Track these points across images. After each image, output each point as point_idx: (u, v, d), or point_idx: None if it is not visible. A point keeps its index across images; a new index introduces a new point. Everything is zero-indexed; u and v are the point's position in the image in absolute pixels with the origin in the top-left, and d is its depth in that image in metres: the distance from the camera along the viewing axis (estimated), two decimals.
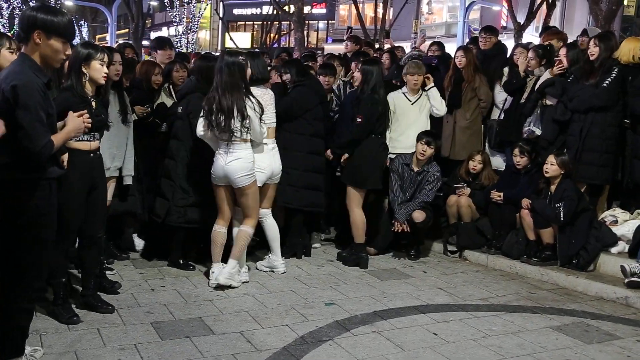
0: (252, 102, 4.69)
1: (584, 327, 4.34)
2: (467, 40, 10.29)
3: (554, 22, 20.47)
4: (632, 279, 4.86)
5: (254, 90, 4.84)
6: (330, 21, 37.14)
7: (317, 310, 4.42)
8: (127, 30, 32.65)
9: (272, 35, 29.42)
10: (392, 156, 5.88)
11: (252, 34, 39.37)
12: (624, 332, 4.28)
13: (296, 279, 5.14)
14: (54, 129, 3.11)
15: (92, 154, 4.06)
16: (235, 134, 4.62)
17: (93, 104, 4.02)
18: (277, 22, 29.10)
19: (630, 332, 4.30)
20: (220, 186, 4.77)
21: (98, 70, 3.99)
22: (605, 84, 5.49)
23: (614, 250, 5.36)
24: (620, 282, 4.98)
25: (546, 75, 5.95)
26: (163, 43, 6.70)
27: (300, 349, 3.78)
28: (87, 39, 36.07)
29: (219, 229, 4.83)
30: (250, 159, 4.73)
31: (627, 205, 5.72)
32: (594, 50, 5.59)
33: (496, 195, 5.77)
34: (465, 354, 3.82)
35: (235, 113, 4.59)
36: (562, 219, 5.26)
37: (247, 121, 4.63)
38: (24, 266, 3.07)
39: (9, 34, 5.09)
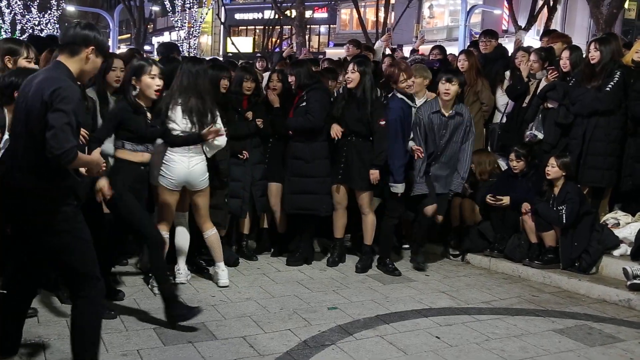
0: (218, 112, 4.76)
1: (586, 330, 4.34)
2: (468, 44, 10.29)
3: (555, 25, 20.45)
4: (635, 281, 4.86)
5: None
6: (331, 26, 37.18)
7: (319, 315, 4.43)
8: (129, 35, 32.76)
9: (273, 39, 29.47)
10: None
11: (254, 39, 39.39)
12: (626, 335, 4.28)
13: (299, 284, 5.15)
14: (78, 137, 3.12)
15: (142, 167, 4.18)
16: None
17: (148, 114, 4.11)
18: (279, 27, 29.15)
19: (633, 334, 4.29)
20: (174, 191, 4.69)
21: (149, 84, 4.07)
22: (608, 88, 5.48)
23: (616, 252, 5.36)
24: (623, 285, 4.98)
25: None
26: (172, 49, 6.73)
27: (303, 353, 3.78)
28: None
29: (165, 235, 4.69)
30: (205, 162, 4.76)
31: (629, 208, 5.72)
32: (594, 54, 5.58)
33: (491, 200, 5.76)
34: (468, 358, 3.82)
35: (208, 118, 4.59)
36: (564, 221, 5.27)
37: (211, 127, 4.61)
38: (76, 268, 3.09)
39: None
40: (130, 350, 3.71)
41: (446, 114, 5.43)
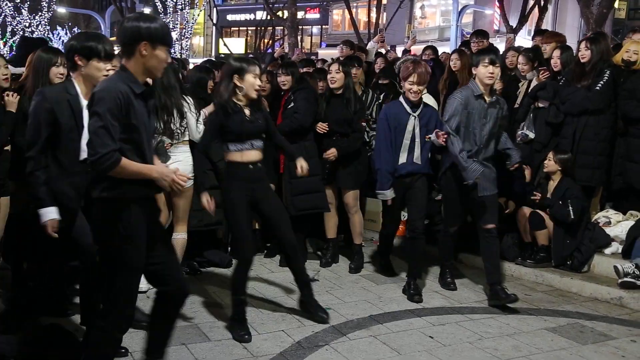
0: (188, 102, 4.70)
1: (578, 328, 4.36)
2: (459, 44, 10.33)
3: (546, 25, 20.55)
4: (626, 279, 4.89)
5: None
6: (324, 26, 37.18)
7: (313, 315, 4.39)
8: None
9: (265, 40, 29.44)
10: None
11: (246, 40, 39.33)
12: (618, 333, 4.30)
13: (292, 284, 5.13)
14: (138, 143, 2.88)
15: (251, 166, 4.10)
16: (175, 135, 4.56)
17: (246, 111, 4.09)
18: (271, 28, 29.14)
19: (625, 332, 4.32)
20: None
21: (252, 84, 4.08)
22: (598, 87, 5.51)
23: (607, 251, 5.39)
24: (614, 283, 5.00)
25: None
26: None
27: (296, 354, 3.78)
28: None
29: (179, 236, 4.69)
30: (190, 162, 4.62)
31: (620, 207, 5.75)
32: (585, 54, 5.61)
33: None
34: (461, 357, 3.84)
35: (175, 114, 4.54)
36: (572, 216, 5.24)
37: (185, 121, 4.60)
38: (115, 292, 2.93)
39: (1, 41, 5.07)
40: (122, 351, 3.68)
41: (487, 100, 4.76)
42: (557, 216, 5.33)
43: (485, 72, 4.67)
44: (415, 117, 4.84)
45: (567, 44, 6.55)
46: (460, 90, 4.88)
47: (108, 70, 3.48)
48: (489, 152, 4.82)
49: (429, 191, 5.27)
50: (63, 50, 3.82)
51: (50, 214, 3.39)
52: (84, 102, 3.44)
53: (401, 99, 4.94)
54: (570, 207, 5.26)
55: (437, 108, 6.06)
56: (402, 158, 4.86)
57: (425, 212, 5.06)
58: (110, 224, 2.86)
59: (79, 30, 39.40)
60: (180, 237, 4.70)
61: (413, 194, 4.93)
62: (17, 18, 34.31)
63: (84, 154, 3.30)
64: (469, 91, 4.74)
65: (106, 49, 3.44)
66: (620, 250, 5.34)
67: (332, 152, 5.41)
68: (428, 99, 6.04)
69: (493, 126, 4.76)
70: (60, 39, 37.57)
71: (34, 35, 31.25)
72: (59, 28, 38.03)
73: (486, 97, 4.74)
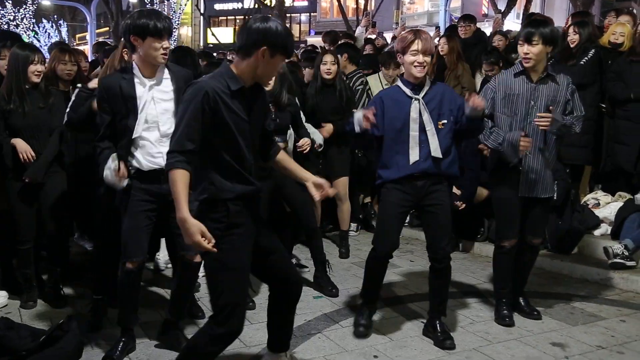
0: None
1: (569, 310, 4.39)
2: (435, 35, 10.30)
3: (535, 8, 20.56)
4: (615, 260, 4.91)
5: None
6: (312, 14, 37.02)
7: (305, 304, 4.41)
8: (107, 28, 32.26)
9: None
10: None
11: (234, 29, 39.10)
12: (608, 313, 4.34)
13: None
14: (234, 144, 2.72)
15: None
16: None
17: (271, 107, 4.11)
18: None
19: (615, 312, 4.36)
20: None
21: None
22: (582, 62, 5.57)
23: (597, 232, 5.42)
24: (604, 264, 5.03)
25: None
26: None
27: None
28: (66, 39, 35.63)
29: None
30: None
31: (609, 188, 5.78)
32: (574, 37, 5.65)
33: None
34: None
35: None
36: (555, 198, 5.22)
37: None
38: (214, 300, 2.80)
39: None
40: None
41: (534, 79, 3.95)
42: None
43: (521, 53, 3.94)
44: (418, 100, 3.69)
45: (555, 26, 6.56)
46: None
47: (165, 48, 3.28)
48: (541, 142, 3.96)
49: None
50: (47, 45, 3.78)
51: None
52: (141, 86, 3.34)
53: (398, 82, 3.85)
54: (557, 189, 5.23)
55: None
56: (413, 155, 3.68)
57: (451, 230, 3.96)
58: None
59: (65, 23, 39.13)
60: None
61: (431, 205, 3.75)
62: (2, 11, 33.94)
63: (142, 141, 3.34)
64: (507, 73, 4.05)
65: (159, 26, 3.23)
66: (609, 232, 5.37)
67: (328, 128, 5.37)
68: None
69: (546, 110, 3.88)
70: (46, 31, 37.21)
71: (19, 29, 30.94)
72: (44, 21, 37.62)
73: (533, 76, 3.93)
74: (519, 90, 3.92)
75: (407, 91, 3.71)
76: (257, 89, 2.81)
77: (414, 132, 3.68)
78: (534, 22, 3.96)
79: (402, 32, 3.87)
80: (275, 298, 3.10)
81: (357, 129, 3.57)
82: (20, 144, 4.08)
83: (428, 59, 3.66)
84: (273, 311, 3.14)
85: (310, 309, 4.34)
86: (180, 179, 2.57)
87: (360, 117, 3.52)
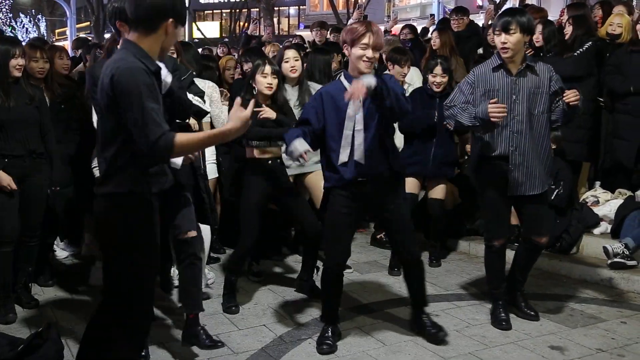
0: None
1: (568, 312, 4.28)
2: (429, 24, 10.18)
3: (531, 0, 20.41)
4: (615, 259, 4.79)
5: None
6: (301, 7, 36.85)
7: (295, 309, 4.31)
8: (88, 23, 31.78)
9: (241, 23, 29.03)
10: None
11: (221, 23, 38.83)
12: (608, 315, 4.23)
13: (272, 277, 5.00)
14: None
15: (270, 162, 4.15)
16: None
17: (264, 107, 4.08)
18: (246, 10, 28.72)
19: (615, 314, 4.25)
20: None
21: (260, 82, 4.09)
22: (576, 54, 5.45)
23: (596, 231, 5.30)
24: (604, 264, 4.91)
25: None
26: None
27: (278, 349, 3.67)
28: (44, 34, 35.10)
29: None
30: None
31: (608, 185, 5.67)
32: (568, 29, 5.56)
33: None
34: (448, 346, 3.73)
35: None
36: (559, 202, 5.11)
37: None
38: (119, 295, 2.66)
39: None
40: None
41: (513, 72, 3.81)
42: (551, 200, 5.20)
43: (498, 43, 3.77)
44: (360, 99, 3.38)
45: (548, 19, 6.44)
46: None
47: None
48: (534, 142, 3.81)
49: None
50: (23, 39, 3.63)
51: None
52: None
53: (341, 77, 3.60)
54: (561, 192, 5.11)
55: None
56: (343, 155, 3.49)
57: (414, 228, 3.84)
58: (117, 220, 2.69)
59: (44, 18, 38.65)
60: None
61: (386, 211, 3.64)
62: None
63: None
64: (485, 65, 3.90)
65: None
66: (609, 230, 5.24)
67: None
68: (415, 72, 5.83)
69: (529, 104, 3.76)
70: (23, 26, 36.75)
71: None
72: (21, 15, 37.14)
73: (512, 69, 3.78)
74: (499, 85, 3.78)
75: (349, 86, 3.39)
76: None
77: (347, 131, 3.48)
78: (510, 11, 3.83)
79: (353, 24, 3.62)
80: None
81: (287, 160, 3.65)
82: (2, 177, 3.95)
83: (377, 55, 3.48)
84: None
85: (300, 314, 4.22)
86: (182, 135, 2.48)
87: (295, 149, 3.33)
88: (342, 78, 3.57)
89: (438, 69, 4.98)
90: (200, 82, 4.53)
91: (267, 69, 4.11)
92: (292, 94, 4.72)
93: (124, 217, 2.58)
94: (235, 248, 4.39)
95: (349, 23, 8.70)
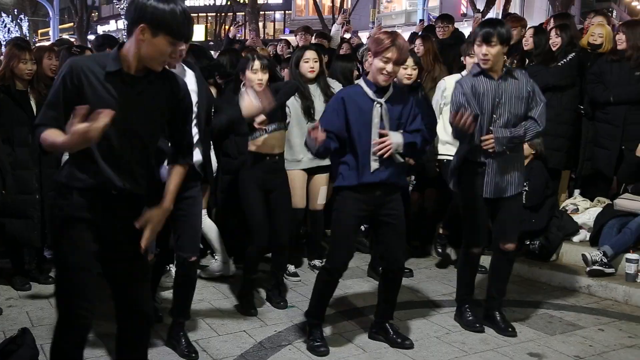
0: None
1: (547, 319, 4.30)
2: (418, 29, 10.19)
3: (514, 8, 20.61)
4: (594, 267, 4.83)
5: None
6: (287, 12, 36.83)
7: (276, 314, 4.28)
8: (71, 24, 31.43)
9: (226, 27, 28.98)
10: None
11: (206, 27, 38.68)
12: (586, 322, 4.26)
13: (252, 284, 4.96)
14: (115, 126, 2.38)
15: (268, 157, 4.17)
16: None
17: None
18: (232, 14, 28.66)
19: (593, 321, 4.28)
20: None
21: (251, 79, 4.02)
22: (560, 64, 5.51)
23: (575, 239, 5.33)
24: (583, 271, 4.95)
25: None
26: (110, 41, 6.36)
27: (258, 355, 3.65)
28: (27, 35, 34.71)
29: None
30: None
31: (588, 193, 5.71)
32: (556, 41, 5.60)
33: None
34: (428, 352, 3.73)
35: None
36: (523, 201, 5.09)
37: None
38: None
39: None
40: None
41: (495, 77, 3.87)
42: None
43: (479, 55, 3.83)
44: (381, 104, 3.55)
45: (540, 27, 6.51)
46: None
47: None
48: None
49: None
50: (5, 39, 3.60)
51: None
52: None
53: (361, 81, 3.67)
54: (526, 188, 5.04)
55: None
56: (374, 163, 3.55)
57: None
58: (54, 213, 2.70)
59: (26, 18, 38.25)
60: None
61: (388, 215, 3.67)
62: None
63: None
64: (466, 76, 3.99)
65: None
66: (588, 238, 5.28)
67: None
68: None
69: (511, 108, 3.83)
70: (5, 26, 36.29)
71: None
72: (3, 15, 36.70)
73: (494, 74, 3.84)
74: (484, 89, 3.83)
75: (370, 93, 3.55)
76: (157, 76, 2.56)
77: (375, 137, 3.54)
78: (490, 22, 3.90)
79: (380, 34, 3.62)
80: (120, 327, 2.78)
81: (312, 151, 3.51)
82: None
83: (398, 69, 3.56)
84: (119, 342, 2.81)
85: (281, 320, 4.19)
86: (50, 133, 2.43)
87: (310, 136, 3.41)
88: (362, 82, 3.64)
89: (410, 61, 4.80)
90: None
91: (257, 64, 4.01)
92: (314, 90, 4.88)
93: (52, 210, 2.73)
94: (247, 248, 4.33)
95: (333, 29, 8.72)
